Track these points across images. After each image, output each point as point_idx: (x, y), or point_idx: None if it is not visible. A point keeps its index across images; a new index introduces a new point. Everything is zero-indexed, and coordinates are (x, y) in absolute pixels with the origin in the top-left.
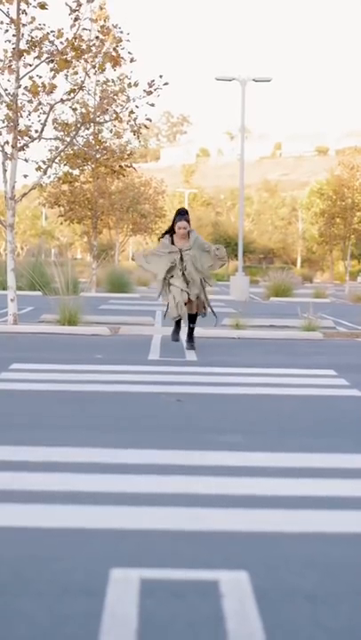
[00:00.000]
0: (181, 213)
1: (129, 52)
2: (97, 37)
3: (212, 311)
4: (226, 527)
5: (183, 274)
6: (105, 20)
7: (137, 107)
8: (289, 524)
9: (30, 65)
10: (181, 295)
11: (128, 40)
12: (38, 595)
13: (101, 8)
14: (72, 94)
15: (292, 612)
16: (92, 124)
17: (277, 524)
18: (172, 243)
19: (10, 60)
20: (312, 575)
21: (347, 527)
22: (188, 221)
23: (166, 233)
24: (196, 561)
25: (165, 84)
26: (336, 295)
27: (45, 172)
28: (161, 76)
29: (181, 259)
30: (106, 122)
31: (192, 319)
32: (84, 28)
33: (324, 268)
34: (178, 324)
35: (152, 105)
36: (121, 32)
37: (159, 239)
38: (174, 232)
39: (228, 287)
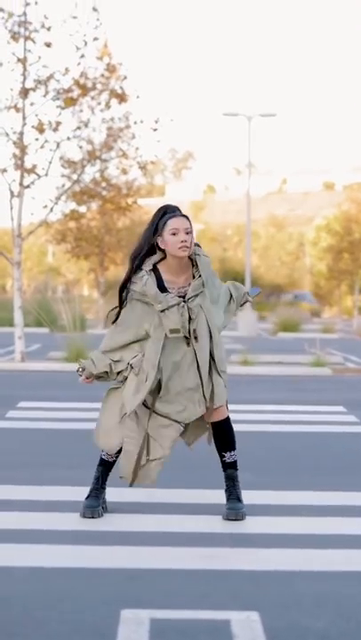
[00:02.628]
0: (169, 211)
1: (135, 90)
2: (102, 75)
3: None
4: (236, 566)
5: (195, 356)
6: (110, 57)
7: (142, 144)
8: (300, 562)
9: (36, 103)
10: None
11: (133, 77)
12: (48, 635)
13: (106, 46)
14: (78, 131)
15: None
16: (98, 161)
17: (288, 563)
18: (160, 287)
19: (16, 99)
20: (324, 615)
21: (358, 566)
22: (190, 222)
23: (138, 269)
24: (206, 601)
25: (171, 120)
26: (344, 330)
27: (52, 210)
28: (167, 114)
29: (189, 318)
30: (112, 159)
31: (224, 438)
32: (89, 67)
33: (332, 303)
34: (106, 467)
35: (158, 141)
36: (127, 70)
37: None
38: (155, 254)
39: (235, 323)
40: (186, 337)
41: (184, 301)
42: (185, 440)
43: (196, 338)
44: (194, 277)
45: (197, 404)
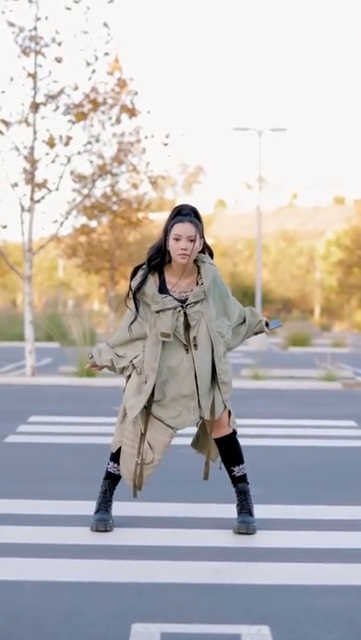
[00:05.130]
0: (182, 213)
1: (145, 104)
2: (113, 90)
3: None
4: (246, 580)
5: (193, 361)
6: (120, 72)
7: (153, 159)
8: (310, 576)
9: (47, 117)
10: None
11: (144, 92)
12: None
13: (117, 60)
14: (88, 145)
15: None
16: (108, 176)
17: (298, 576)
18: (162, 288)
19: (26, 114)
20: (335, 628)
21: None
22: (198, 228)
23: (150, 262)
24: (216, 615)
25: (182, 135)
26: (355, 344)
27: (62, 224)
28: (177, 128)
29: (187, 325)
30: (123, 173)
31: (229, 453)
32: (100, 81)
33: (343, 318)
34: (113, 480)
35: (168, 156)
36: (138, 85)
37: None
38: (162, 260)
39: None
40: (184, 343)
41: (182, 306)
42: (210, 457)
43: (195, 346)
44: (198, 284)
45: (192, 411)
